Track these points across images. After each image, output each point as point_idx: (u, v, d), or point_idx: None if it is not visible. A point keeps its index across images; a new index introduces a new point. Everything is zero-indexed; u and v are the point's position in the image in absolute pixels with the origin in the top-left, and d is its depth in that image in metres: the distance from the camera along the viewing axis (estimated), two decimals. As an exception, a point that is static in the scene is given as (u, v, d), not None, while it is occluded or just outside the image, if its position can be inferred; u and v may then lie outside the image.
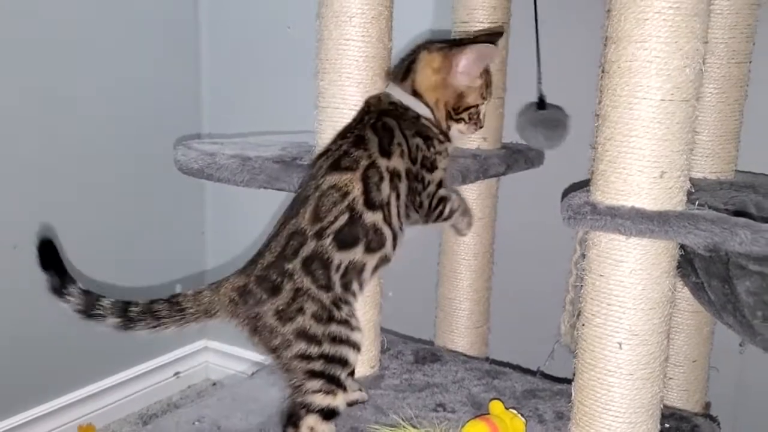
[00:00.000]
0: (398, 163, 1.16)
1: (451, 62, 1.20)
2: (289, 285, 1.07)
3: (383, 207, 1.13)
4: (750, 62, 1.36)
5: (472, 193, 1.64)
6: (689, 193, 1.09)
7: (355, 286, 1.14)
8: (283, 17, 2.15)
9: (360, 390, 1.29)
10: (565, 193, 1.20)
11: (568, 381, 1.29)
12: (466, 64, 1.20)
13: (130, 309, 1.08)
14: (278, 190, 1.33)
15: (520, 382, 1.38)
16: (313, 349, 1.08)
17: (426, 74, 1.22)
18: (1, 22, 1.78)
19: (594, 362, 1.13)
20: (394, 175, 1.15)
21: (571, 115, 1.61)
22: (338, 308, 1.11)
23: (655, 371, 1.11)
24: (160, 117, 2.20)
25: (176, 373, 2.41)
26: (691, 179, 1.11)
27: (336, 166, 1.12)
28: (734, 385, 1.57)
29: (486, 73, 1.26)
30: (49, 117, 1.91)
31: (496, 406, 1.20)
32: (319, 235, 1.08)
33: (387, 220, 1.14)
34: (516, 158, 1.62)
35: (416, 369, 1.44)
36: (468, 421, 1.17)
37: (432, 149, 1.22)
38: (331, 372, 1.09)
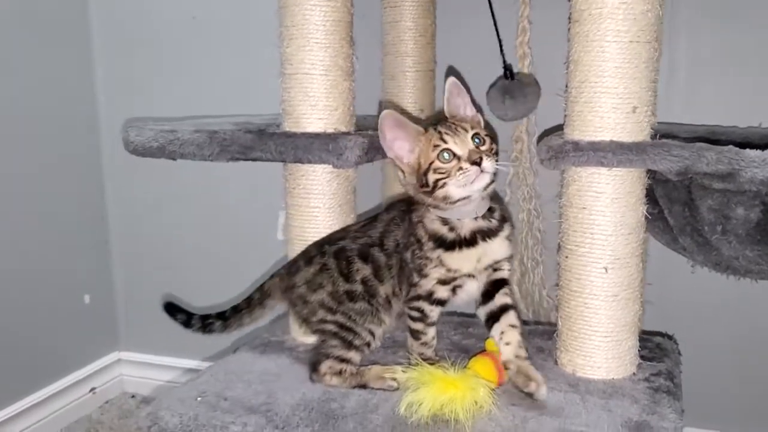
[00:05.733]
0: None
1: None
2: (320, 260, 1.26)
3: (385, 251, 1.24)
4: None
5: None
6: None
7: (377, 303, 1.24)
8: (188, 7, 2.11)
9: None
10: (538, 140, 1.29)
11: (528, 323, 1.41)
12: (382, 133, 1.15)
13: (225, 315, 1.38)
14: (251, 160, 1.32)
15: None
16: (329, 317, 1.24)
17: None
18: None
19: (580, 289, 1.23)
20: (397, 244, 1.23)
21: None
22: (353, 300, 1.23)
23: (635, 291, 1.23)
24: (54, 117, 2.07)
25: (92, 389, 2.26)
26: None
27: (390, 212, 1.28)
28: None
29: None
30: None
31: (491, 343, 1.26)
32: (354, 239, 1.26)
33: (380, 270, 1.23)
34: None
35: (394, 329, 1.47)
36: (472, 356, 1.23)
37: (420, 252, 1.19)
38: (345, 336, 1.23)
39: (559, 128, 1.27)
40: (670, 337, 1.42)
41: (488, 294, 1.22)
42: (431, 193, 1.13)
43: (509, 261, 1.22)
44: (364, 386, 1.21)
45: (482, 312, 1.24)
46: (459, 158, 1.11)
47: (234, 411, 1.13)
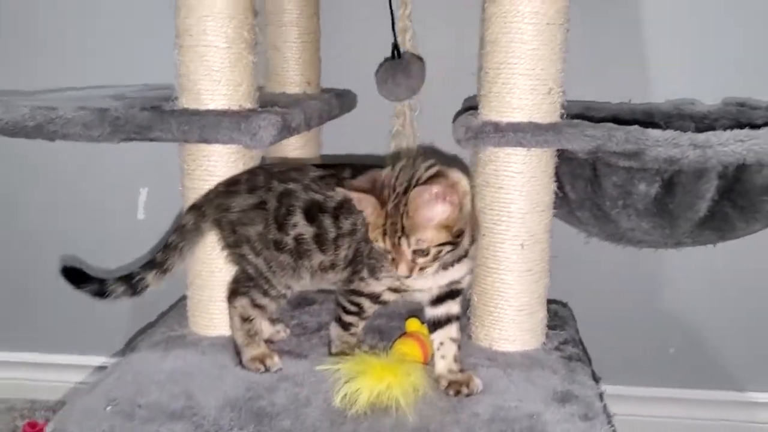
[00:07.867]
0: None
1: None
2: (262, 194, 1.17)
3: (339, 229, 1.14)
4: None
5: (299, 140, 1.62)
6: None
7: (305, 264, 1.17)
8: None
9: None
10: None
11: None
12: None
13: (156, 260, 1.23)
14: (148, 140, 1.20)
15: (402, 308, 1.44)
16: (252, 257, 1.19)
17: None
18: None
19: (497, 265, 1.26)
20: (354, 230, 1.13)
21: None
22: (279, 250, 1.16)
23: (546, 265, 1.28)
24: None
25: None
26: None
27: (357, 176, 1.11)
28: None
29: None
30: None
31: (413, 323, 1.26)
32: (306, 189, 1.15)
33: (324, 242, 1.14)
34: (342, 101, 1.65)
35: (300, 314, 1.43)
36: (396, 339, 1.22)
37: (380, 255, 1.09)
38: (261, 284, 1.19)
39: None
40: (564, 305, 1.49)
41: (438, 299, 1.16)
42: None
43: (470, 274, 1.16)
44: (237, 352, 1.21)
45: (428, 313, 1.17)
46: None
47: (155, 419, 1.04)
